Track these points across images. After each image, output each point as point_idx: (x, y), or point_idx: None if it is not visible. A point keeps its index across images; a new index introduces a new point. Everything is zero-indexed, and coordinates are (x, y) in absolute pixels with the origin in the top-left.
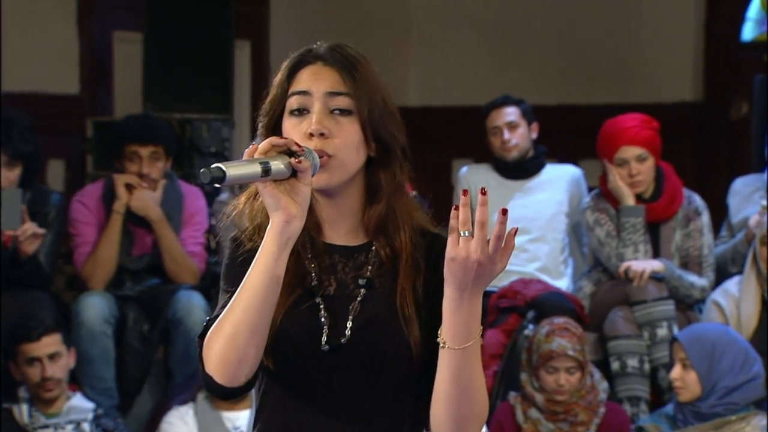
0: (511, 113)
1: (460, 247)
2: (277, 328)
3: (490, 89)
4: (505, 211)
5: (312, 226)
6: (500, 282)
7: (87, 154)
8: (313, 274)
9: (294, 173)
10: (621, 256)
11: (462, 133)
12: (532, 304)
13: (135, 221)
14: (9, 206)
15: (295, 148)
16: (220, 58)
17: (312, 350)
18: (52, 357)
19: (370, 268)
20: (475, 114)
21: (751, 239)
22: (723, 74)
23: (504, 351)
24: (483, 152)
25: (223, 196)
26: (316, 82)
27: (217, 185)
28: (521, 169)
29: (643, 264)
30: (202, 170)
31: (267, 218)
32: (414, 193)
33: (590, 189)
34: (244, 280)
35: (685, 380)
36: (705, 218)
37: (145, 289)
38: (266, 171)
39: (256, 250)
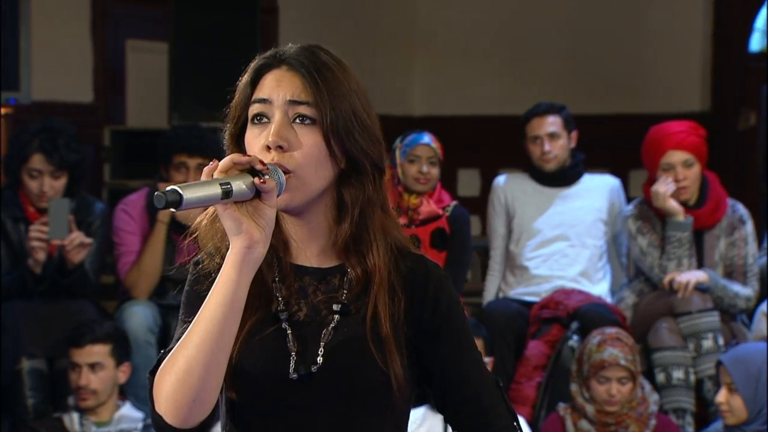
0: (552, 123)
1: None
2: (238, 356)
3: (496, 99)
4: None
5: (279, 244)
6: (540, 287)
7: (104, 162)
8: (280, 298)
9: (258, 194)
10: (664, 268)
11: (467, 144)
12: (574, 315)
13: (179, 230)
14: (56, 216)
15: (259, 166)
16: (245, 67)
17: (279, 379)
18: (93, 367)
19: (345, 293)
20: (480, 123)
21: None
22: (731, 85)
23: (547, 362)
24: (488, 163)
25: None
26: (277, 89)
27: (173, 210)
28: (559, 178)
29: (688, 275)
30: (156, 194)
31: (225, 238)
32: (455, 203)
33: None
34: (200, 310)
35: (731, 404)
36: (749, 227)
37: None
38: (227, 193)
39: (215, 272)
